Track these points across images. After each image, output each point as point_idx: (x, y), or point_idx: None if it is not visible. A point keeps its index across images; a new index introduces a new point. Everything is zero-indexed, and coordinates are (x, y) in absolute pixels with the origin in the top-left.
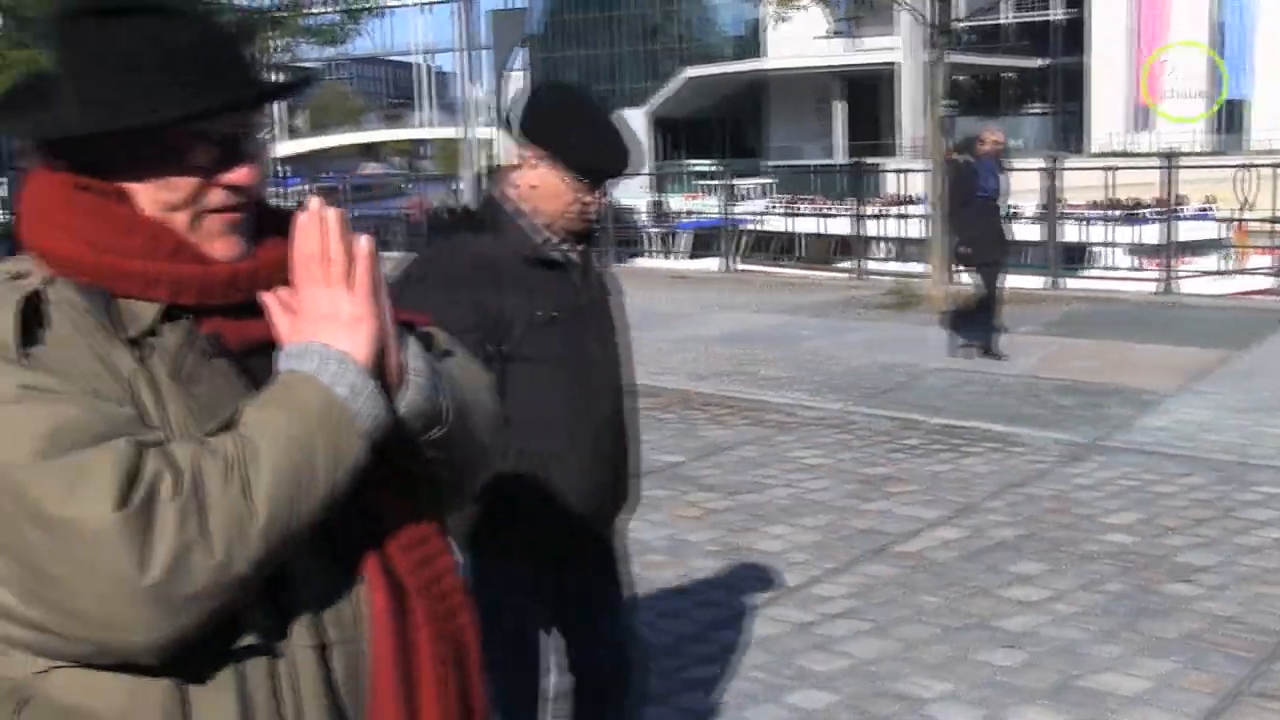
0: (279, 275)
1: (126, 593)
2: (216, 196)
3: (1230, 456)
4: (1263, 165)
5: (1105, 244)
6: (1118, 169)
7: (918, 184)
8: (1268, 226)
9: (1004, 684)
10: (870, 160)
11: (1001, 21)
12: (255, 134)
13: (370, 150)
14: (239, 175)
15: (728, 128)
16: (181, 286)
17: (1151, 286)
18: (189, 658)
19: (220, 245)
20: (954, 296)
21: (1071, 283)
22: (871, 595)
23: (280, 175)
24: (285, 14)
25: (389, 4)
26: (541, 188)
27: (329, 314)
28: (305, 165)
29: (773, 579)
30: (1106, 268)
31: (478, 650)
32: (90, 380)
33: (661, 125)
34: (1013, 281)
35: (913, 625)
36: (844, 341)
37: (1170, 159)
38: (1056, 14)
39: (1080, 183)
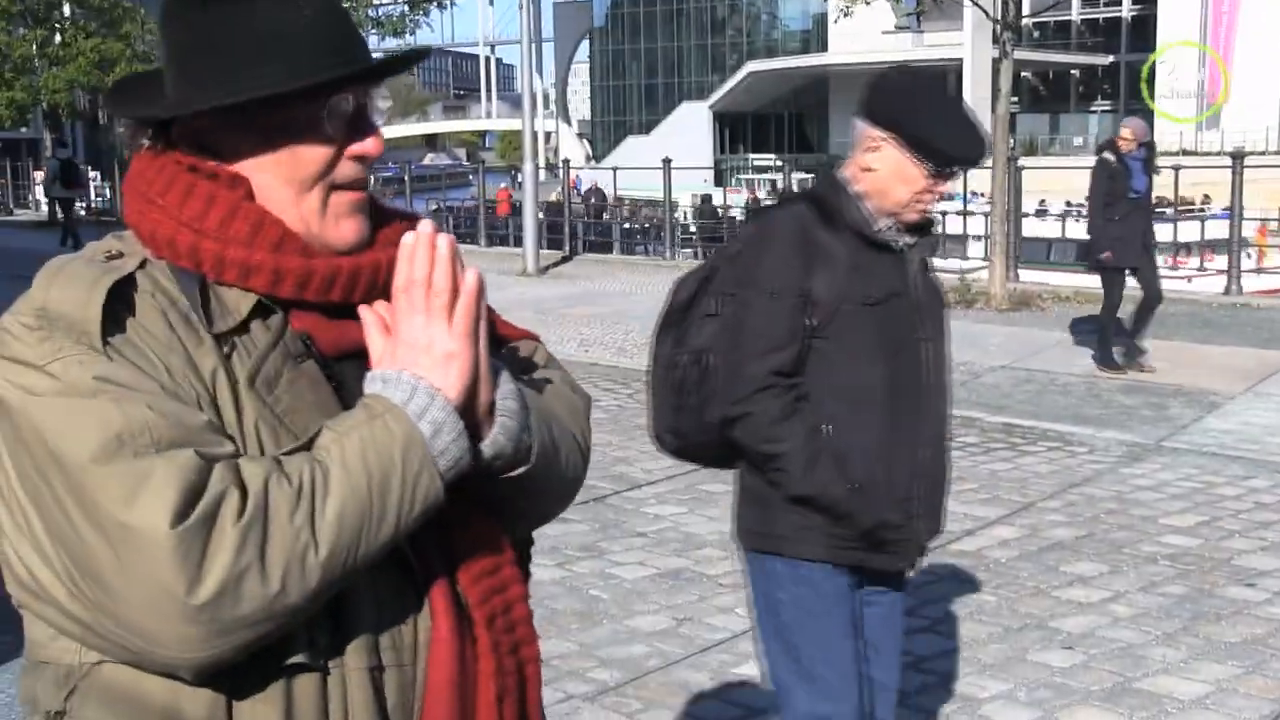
0: (380, 278)
1: (173, 609)
2: (345, 170)
3: None
4: None
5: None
6: (1184, 168)
7: (983, 181)
8: None
9: (1061, 685)
10: None
11: (1070, 17)
12: (375, 108)
13: (432, 141)
14: (368, 144)
15: (790, 122)
16: (280, 277)
17: (1177, 284)
18: (237, 667)
19: (348, 225)
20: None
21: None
22: (928, 593)
23: None
24: (350, 4)
25: None
26: (886, 172)
27: (425, 345)
28: (393, 152)
29: None
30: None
31: (539, 684)
32: (169, 376)
33: (723, 119)
34: (1066, 280)
35: (970, 624)
36: None
37: (1238, 159)
38: (1125, 10)
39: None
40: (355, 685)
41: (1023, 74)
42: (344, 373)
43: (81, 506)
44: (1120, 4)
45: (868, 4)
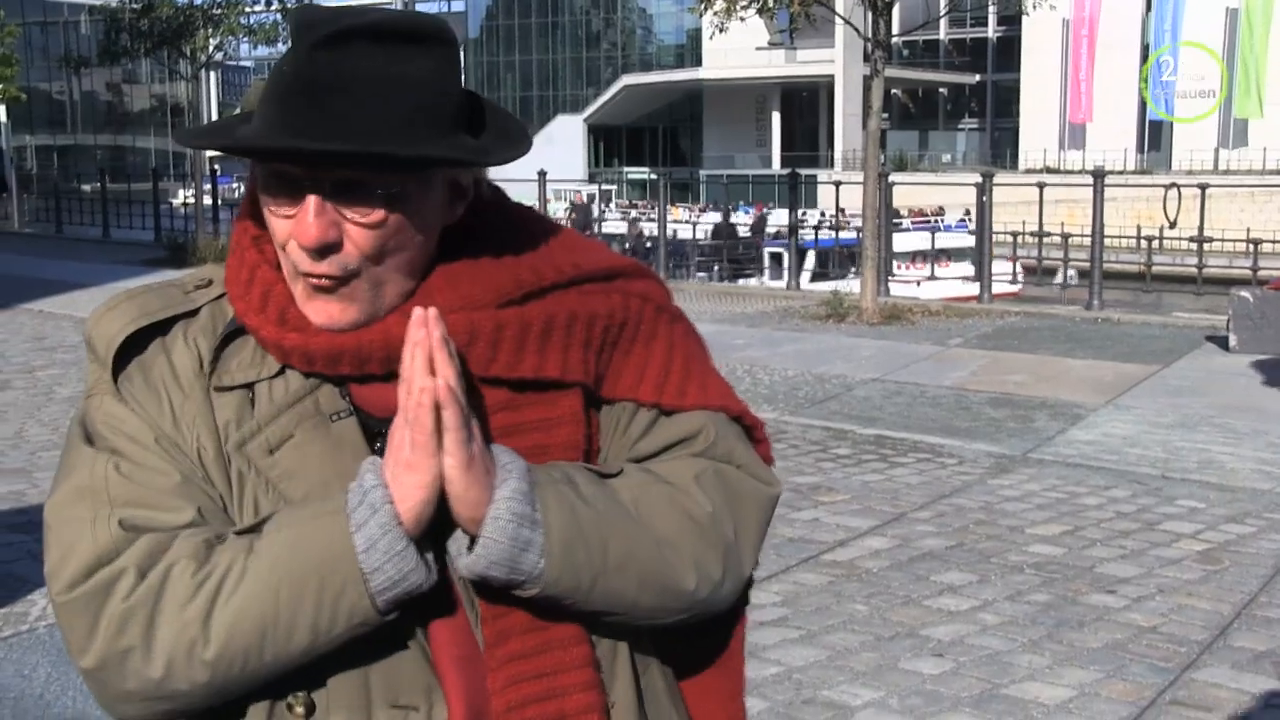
0: (394, 352)
1: (76, 663)
2: (295, 253)
3: (1152, 470)
4: (1187, 185)
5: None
6: (1048, 185)
7: (854, 196)
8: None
9: (931, 692)
10: (808, 171)
11: (938, 37)
12: (375, 194)
13: None
14: (299, 232)
15: (664, 136)
16: (286, 353)
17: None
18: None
19: (311, 308)
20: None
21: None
22: (801, 603)
23: (212, 173)
24: (222, 11)
25: (327, 5)
26: None
27: (396, 448)
28: (239, 164)
29: None
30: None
31: None
32: (173, 423)
33: (598, 132)
34: (936, 293)
35: (842, 633)
36: (778, 351)
37: (1099, 177)
38: (990, 31)
39: (1011, 198)
40: None
41: (893, 91)
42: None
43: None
44: (986, 26)
45: (742, 20)
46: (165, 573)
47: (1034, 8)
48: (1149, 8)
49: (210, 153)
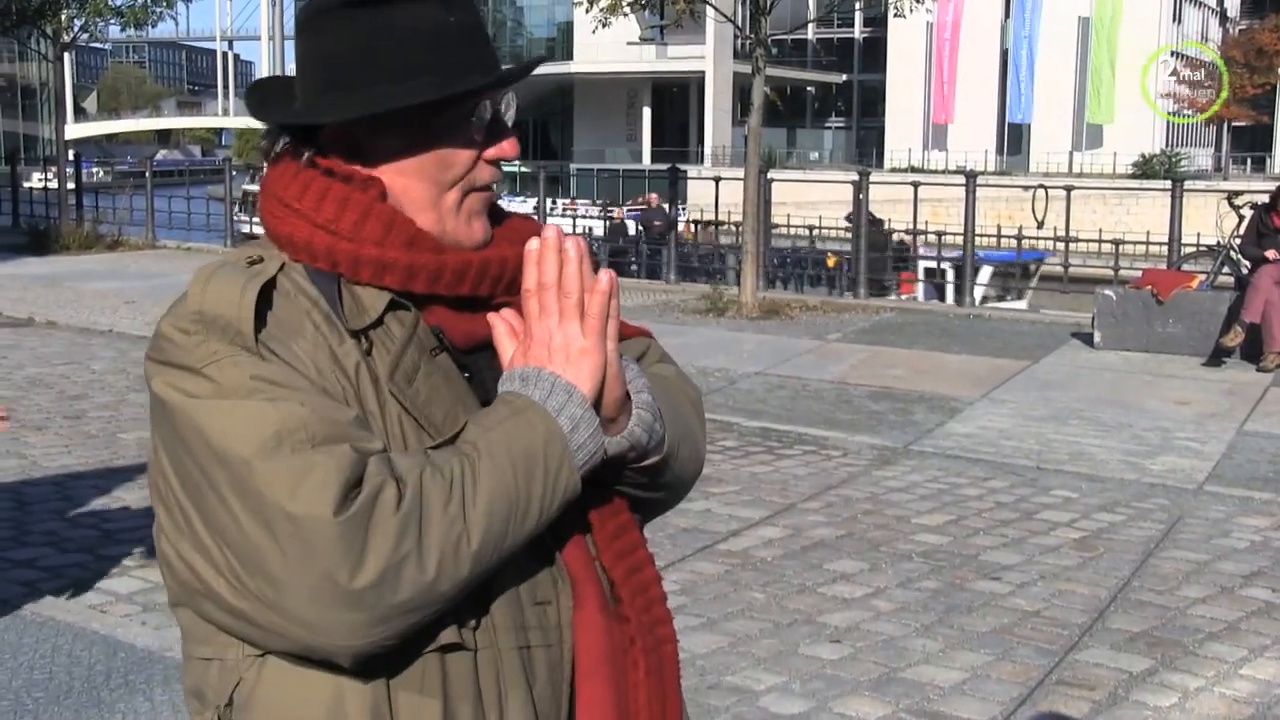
0: (506, 272)
1: (335, 595)
2: (483, 173)
3: (1028, 462)
4: (1054, 187)
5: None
6: (921, 184)
7: (735, 192)
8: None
9: (831, 676)
10: (681, 166)
11: (806, 37)
12: (507, 112)
13: (165, 136)
14: (505, 148)
15: (535, 129)
16: (413, 273)
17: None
18: (395, 656)
19: (479, 224)
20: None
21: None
22: (699, 592)
23: (77, 158)
24: None
25: None
26: None
27: (560, 345)
28: (95, 149)
29: None
30: None
31: (677, 664)
32: (317, 373)
33: None
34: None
35: (741, 620)
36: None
37: (971, 178)
38: (857, 31)
39: (877, 196)
40: (507, 665)
41: (764, 89)
42: (477, 364)
43: (245, 502)
44: (853, 26)
45: (626, 16)
46: (419, 480)
47: (910, 11)
48: (1007, 14)
49: (69, 136)
